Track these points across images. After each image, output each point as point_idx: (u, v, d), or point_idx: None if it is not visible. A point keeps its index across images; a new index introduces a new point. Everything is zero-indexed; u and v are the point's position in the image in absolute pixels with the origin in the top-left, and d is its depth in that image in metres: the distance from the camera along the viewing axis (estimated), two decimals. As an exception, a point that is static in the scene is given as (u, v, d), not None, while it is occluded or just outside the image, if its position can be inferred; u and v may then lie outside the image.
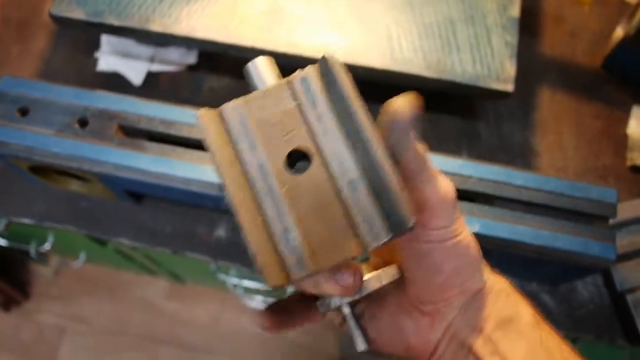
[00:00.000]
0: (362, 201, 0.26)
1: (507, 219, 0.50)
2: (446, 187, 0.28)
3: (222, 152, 0.28)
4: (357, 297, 0.29)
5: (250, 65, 0.30)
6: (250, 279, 0.89)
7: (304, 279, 0.26)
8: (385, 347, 0.33)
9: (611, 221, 0.52)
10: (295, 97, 0.28)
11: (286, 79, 0.29)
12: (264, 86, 0.29)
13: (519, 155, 0.64)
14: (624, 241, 0.57)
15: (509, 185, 0.51)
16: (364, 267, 0.30)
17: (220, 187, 0.27)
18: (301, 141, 0.28)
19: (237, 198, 0.27)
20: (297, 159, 0.28)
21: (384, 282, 0.30)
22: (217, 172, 0.27)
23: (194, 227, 0.62)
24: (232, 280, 0.89)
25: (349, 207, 0.27)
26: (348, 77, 0.27)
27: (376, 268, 0.32)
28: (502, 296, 0.31)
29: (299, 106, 0.28)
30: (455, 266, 0.29)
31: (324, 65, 0.28)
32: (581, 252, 0.49)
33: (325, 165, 0.27)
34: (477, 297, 0.30)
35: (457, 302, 0.30)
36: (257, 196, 0.27)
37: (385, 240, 0.26)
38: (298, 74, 0.29)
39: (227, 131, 0.28)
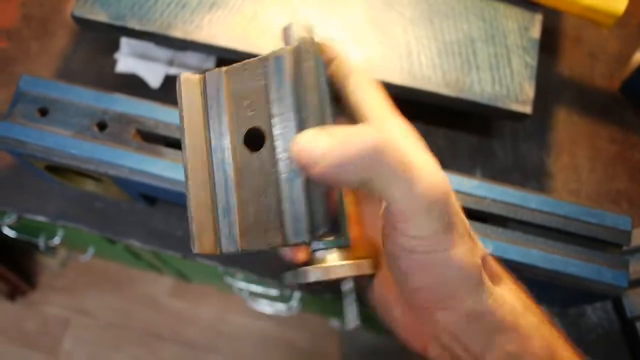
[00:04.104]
0: (295, 196, 0.26)
1: (520, 242, 0.50)
2: (427, 187, 0.23)
3: (191, 119, 0.28)
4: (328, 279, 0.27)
5: (287, 27, 0.29)
6: (258, 284, 0.89)
7: (232, 253, 0.27)
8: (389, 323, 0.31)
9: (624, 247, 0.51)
10: (265, 75, 0.27)
11: (265, 54, 0.28)
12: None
13: (533, 175, 0.64)
14: (636, 267, 0.57)
15: (523, 208, 0.51)
16: (340, 253, 0.29)
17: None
18: (260, 121, 0.27)
19: (191, 164, 0.28)
20: (256, 139, 0.28)
21: (350, 273, 0.27)
22: (181, 135, 0.28)
23: (206, 233, 0.63)
24: (239, 284, 0.89)
25: (282, 197, 0.26)
26: (319, 68, 0.26)
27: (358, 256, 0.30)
28: (511, 328, 0.27)
29: (267, 86, 0.27)
30: (428, 281, 0.25)
31: (298, 50, 0.27)
32: (593, 278, 0.49)
33: (273, 150, 0.27)
34: (470, 319, 0.26)
35: (444, 319, 0.26)
36: (212, 165, 0.28)
37: (305, 240, 0.26)
38: (274, 52, 0.27)
39: (205, 97, 0.29)
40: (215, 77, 0.29)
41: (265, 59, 0.28)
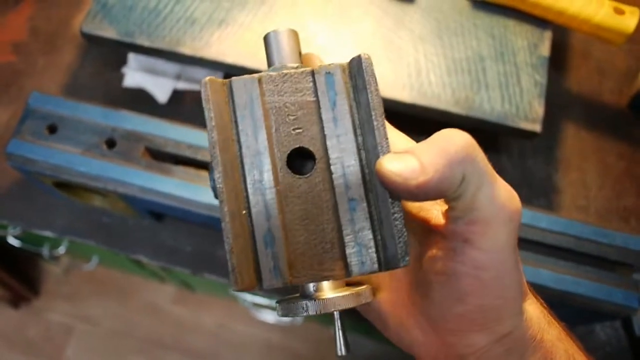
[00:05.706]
0: (358, 223, 0.24)
1: (530, 262, 0.50)
2: (509, 197, 0.23)
3: (221, 130, 0.25)
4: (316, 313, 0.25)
5: (271, 34, 0.27)
6: (263, 296, 0.89)
7: (277, 287, 0.24)
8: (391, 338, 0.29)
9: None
10: (315, 91, 0.25)
11: (311, 67, 0.26)
12: (283, 64, 0.26)
13: (542, 191, 0.64)
14: (645, 286, 0.57)
15: (533, 228, 0.50)
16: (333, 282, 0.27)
17: (210, 166, 0.25)
18: (310, 141, 0.25)
19: (225, 186, 0.24)
20: (300, 158, 0.26)
21: (352, 305, 0.25)
22: (211, 150, 0.24)
23: (214, 249, 0.63)
24: (245, 296, 0.89)
25: (342, 225, 0.24)
26: (378, 86, 0.25)
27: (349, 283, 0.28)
28: (538, 345, 0.26)
29: (317, 102, 0.25)
30: (483, 304, 0.24)
31: (356, 65, 0.25)
32: (603, 299, 0.49)
33: (329, 174, 0.25)
34: (503, 342, 0.26)
35: (477, 341, 0.26)
36: (247, 187, 0.25)
37: (374, 271, 0.24)
38: (324, 66, 0.25)
39: (232, 106, 0.25)
40: (246, 85, 0.25)
41: (312, 72, 0.25)
